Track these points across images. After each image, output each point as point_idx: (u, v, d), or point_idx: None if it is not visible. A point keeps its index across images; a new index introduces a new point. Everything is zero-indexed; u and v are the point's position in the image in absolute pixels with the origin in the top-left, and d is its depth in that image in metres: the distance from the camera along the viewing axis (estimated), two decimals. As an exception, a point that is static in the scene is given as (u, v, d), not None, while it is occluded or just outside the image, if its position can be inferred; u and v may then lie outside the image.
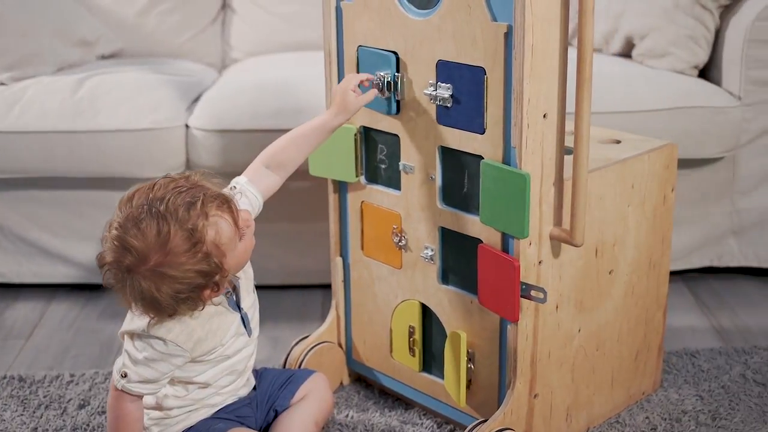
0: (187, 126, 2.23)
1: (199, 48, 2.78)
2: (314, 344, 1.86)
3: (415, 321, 1.74)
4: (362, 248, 1.80)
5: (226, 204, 1.43)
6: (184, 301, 1.42)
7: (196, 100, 2.33)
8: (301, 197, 2.26)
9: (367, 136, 1.74)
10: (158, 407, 1.59)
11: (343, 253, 1.86)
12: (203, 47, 2.79)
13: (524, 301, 1.53)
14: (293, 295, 2.37)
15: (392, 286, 1.76)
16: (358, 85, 1.61)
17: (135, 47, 2.73)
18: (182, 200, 1.38)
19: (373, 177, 1.76)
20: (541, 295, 1.51)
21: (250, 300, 1.62)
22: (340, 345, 1.91)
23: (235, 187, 1.60)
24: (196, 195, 1.39)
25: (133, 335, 1.50)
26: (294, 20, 2.75)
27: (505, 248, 1.54)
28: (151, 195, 1.39)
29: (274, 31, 2.77)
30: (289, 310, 2.31)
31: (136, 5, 2.73)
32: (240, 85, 2.34)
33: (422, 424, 1.79)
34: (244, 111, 2.19)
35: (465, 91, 1.52)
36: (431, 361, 1.78)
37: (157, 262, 1.37)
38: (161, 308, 1.42)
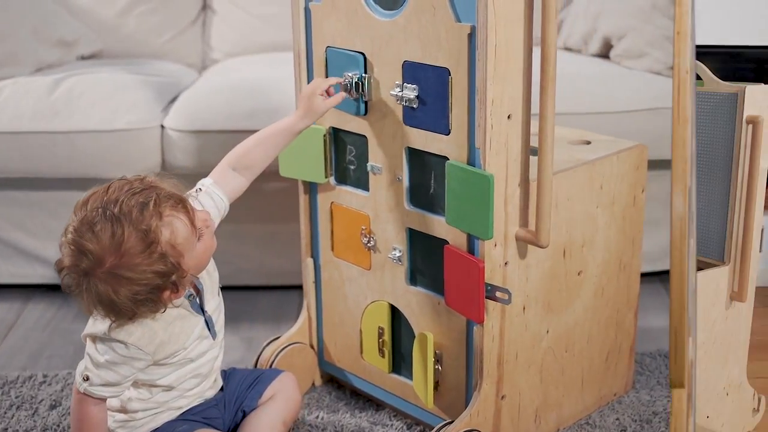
0: (162, 127, 2.22)
1: (179, 49, 2.78)
2: (285, 345, 1.86)
3: (385, 322, 1.74)
4: (332, 249, 1.80)
5: (181, 204, 1.43)
6: (143, 303, 1.41)
7: (174, 100, 2.33)
8: (277, 198, 2.25)
9: (337, 137, 1.74)
10: (123, 410, 1.59)
11: (314, 254, 1.85)
12: (183, 48, 2.79)
13: (491, 303, 1.53)
14: (270, 296, 2.37)
15: (362, 287, 1.76)
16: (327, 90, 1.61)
17: (115, 48, 2.73)
18: (136, 201, 1.38)
19: (342, 178, 1.76)
20: (505, 297, 1.51)
21: (214, 303, 1.61)
22: (311, 346, 1.91)
23: (201, 188, 1.59)
24: (149, 196, 1.39)
25: (95, 338, 1.49)
26: (274, 21, 2.75)
27: (471, 249, 1.54)
28: (105, 198, 1.39)
29: (255, 32, 2.77)
30: (265, 310, 2.31)
31: (116, 6, 2.73)
32: (216, 86, 2.35)
33: (392, 425, 1.79)
34: (219, 112, 2.19)
35: (430, 92, 1.52)
36: (401, 363, 1.77)
37: (112, 265, 1.36)
38: (120, 311, 1.41)
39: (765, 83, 1.65)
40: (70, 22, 2.63)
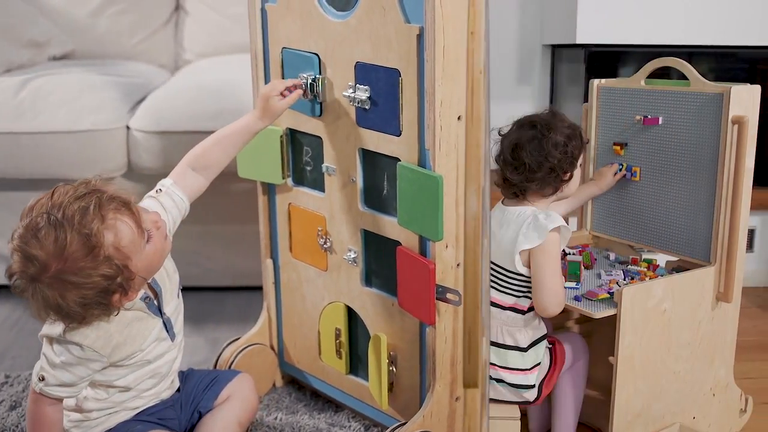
0: (128, 128, 2.22)
1: (151, 49, 2.78)
2: (245, 346, 1.86)
3: (341, 323, 1.74)
4: (291, 250, 1.80)
5: (125, 206, 1.42)
6: (92, 306, 1.40)
7: (142, 101, 2.33)
8: (244, 199, 2.25)
9: (294, 138, 1.74)
10: (78, 410, 1.58)
11: (274, 255, 1.85)
12: (156, 49, 2.78)
13: (443, 304, 1.53)
14: (236, 297, 2.37)
15: (319, 288, 1.76)
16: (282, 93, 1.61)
17: (87, 48, 2.73)
18: (78, 206, 1.37)
19: (299, 179, 1.76)
20: (456, 298, 1.51)
21: (173, 305, 1.61)
22: (272, 347, 1.91)
23: (161, 189, 1.59)
24: (92, 199, 1.38)
25: (51, 339, 1.49)
26: (246, 22, 2.73)
27: (423, 251, 1.54)
28: (49, 203, 1.38)
29: (227, 33, 2.77)
30: (231, 311, 2.30)
31: (88, 6, 2.73)
32: (182, 87, 2.34)
33: (350, 426, 1.79)
34: (184, 113, 2.19)
35: (382, 93, 1.52)
36: (358, 364, 1.77)
37: (57, 270, 1.36)
38: (69, 315, 1.41)
39: (756, 83, 1.65)
40: (42, 22, 2.63)
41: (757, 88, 1.64)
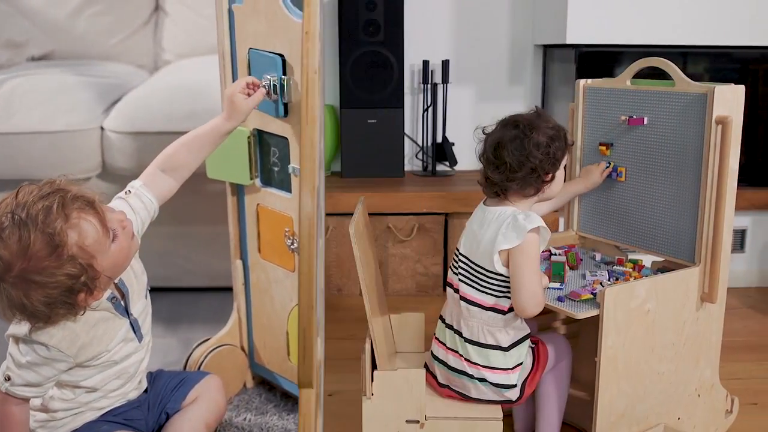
0: (102, 128, 2.22)
1: (131, 50, 2.77)
2: (215, 347, 1.86)
3: (309, 324, 1.74)
4: (259, 251, 1.80)
5: (90, 205, 1.42)
6: (57, 306, 1.40)
7: (117, 102, 2.33)
8: (220, 200, 2.24)
9: (261, 139, 1.74)
10: (44, 409, 1.58)
11: (243, 256, 1.85)
12: (135, 49, 2.78)
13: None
14: (211, 298, 2.36)
15: (287, 289, 1.76)
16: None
17: (67, 49, 2.73)
18: (42, 205, 1.37)
19: (267, 180, 1.76)
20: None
21: (141, 306, 1.60)
22: (242, 348, 1.91)
23: (130, 190, 1.59)
24: (55, 198, 1.38)
25: (17, 339, 1.48)
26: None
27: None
28: (14, 203, 1.38)
29: (206, 34, 2.75)
30: (206, 312, 2.30)
31: (67, 7, 2.72)
32: (156, 88, 2.34)
33: (318, 427, 1.79)
34: (158, 113, 2.19)
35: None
36: (326, 364, 1.77)
37: (21, 269, 1.36)
38: (34, 315, 1.41)
39: (748, 83, 1.64)
40: (21, 23, 2.63)
41: (741, 88, 1.63)
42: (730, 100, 1.61)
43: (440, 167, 3.22)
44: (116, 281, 1.52)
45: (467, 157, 3.16)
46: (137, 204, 1.57)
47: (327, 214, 2.76)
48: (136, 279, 1.58)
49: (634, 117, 1.76)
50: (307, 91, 1.38)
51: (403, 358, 1.82)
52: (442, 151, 3.14)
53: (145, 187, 1.60)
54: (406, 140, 3.21)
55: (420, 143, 3.23)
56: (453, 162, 3.15)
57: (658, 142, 1.73)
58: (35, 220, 1.36)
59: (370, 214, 2.65)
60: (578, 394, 1.86)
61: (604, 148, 1.83)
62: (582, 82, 1.86)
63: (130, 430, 1.62)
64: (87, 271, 1.40)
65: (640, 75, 1.79)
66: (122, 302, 1.56)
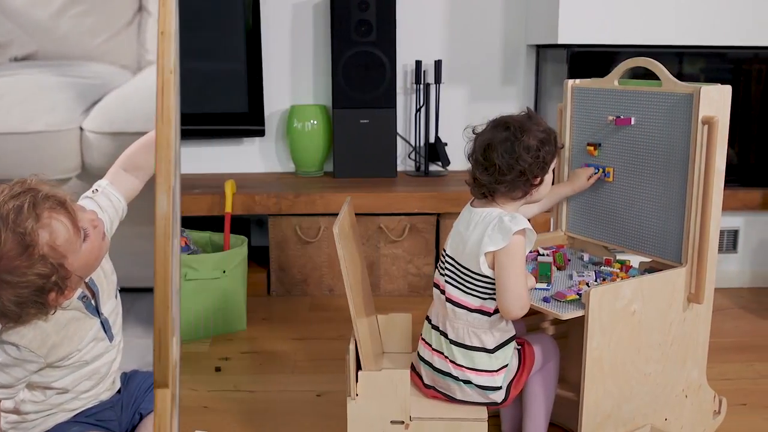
0: (81, 129, 2.19)
1: (114, 50, 2.73)
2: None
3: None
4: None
5: (61, 205, 1.42)
6: (28, 305, 1.40)
7: (98, 102, 2.29)
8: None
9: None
10: (16, 411, 1.58)
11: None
12: (119, 49, 2.74)
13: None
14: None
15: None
16: None
17: (50, 49, 2.69)
18: (13, 204, 1.37)
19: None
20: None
21: (111, 305, 1.60)
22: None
23: (97, 189, 1.59)
24: (26, 198, 1.38)
25: (-12, 340, 1.47)
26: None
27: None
28: None
29: (190, 34, 2.73)
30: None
31: (50, 7, 2.69)
32: (135, 88, 2.32)
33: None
34: (137, 114, 2.17)
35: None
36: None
37: None
38: (4, 314, 1.41)
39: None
40: (3, 23, 2.60)
41: (727, 89, 1.62)
42: (716, 101, 1.60)
43: (433, 167, 3.20)
44: (86, 280, 1.52)
45: (460, 158, 3.13)
46: (105, 202, 1.58)
47: (319, 215, 2.74)
48: (105, 278, 1.59)
49: (622, 117, 1.75)
50: (162, 91, 1.35)
51: (391, 359, 1.82)
52: (435, 151, 3.13)
53: (112, 186, 1.62)
54: (399, 140, 3.19)
55: (413, 143, 3.21)
56: (446, 162, 3.13)
57: (646, 142, 1.73)
58: (6, 219, 1.37)
59: (361, 214, 2.62)
60: (566, 395, 1.85)
61: (591, 148, 1.82)
62: (570, 82, 1.85)
63: (102, 430, 1.60)
64: (58, 270, 1.40)
65: (633, 75, 1.77)
66: (93, 301, 1.56)
